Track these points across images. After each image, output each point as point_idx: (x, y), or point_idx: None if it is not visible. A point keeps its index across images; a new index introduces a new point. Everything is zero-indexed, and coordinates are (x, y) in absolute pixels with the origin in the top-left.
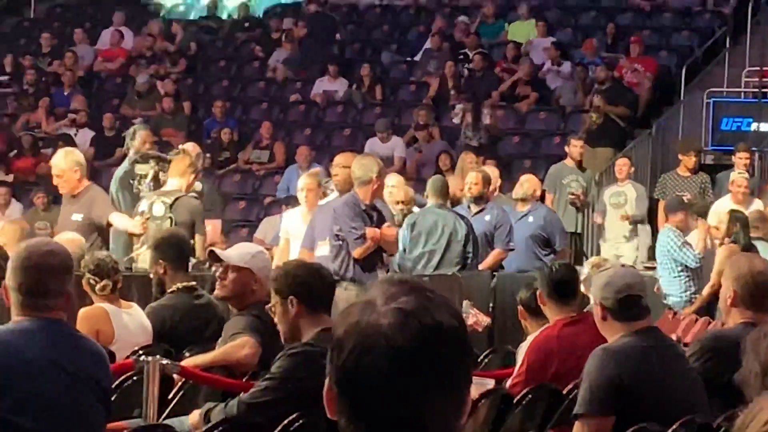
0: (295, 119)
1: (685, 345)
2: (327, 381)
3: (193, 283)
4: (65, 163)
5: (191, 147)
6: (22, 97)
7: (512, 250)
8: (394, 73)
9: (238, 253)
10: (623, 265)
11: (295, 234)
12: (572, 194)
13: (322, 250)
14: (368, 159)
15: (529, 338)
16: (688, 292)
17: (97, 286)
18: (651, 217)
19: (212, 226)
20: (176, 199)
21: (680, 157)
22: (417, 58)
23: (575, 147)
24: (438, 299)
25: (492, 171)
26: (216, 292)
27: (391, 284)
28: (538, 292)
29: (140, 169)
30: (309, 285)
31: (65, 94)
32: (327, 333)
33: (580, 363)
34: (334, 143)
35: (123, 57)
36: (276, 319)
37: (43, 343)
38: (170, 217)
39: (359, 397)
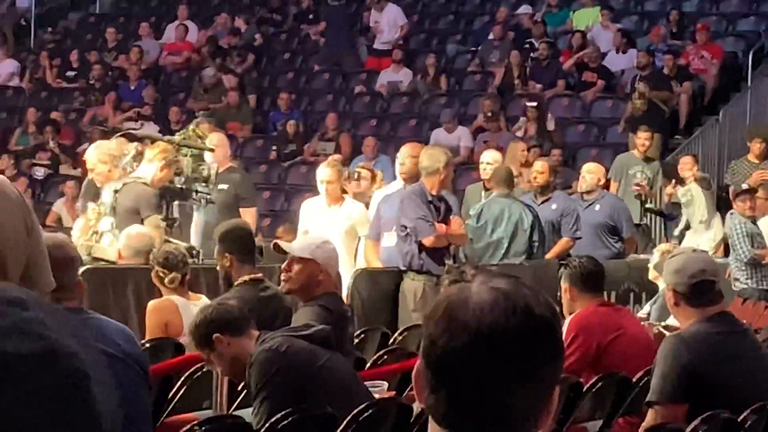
0: (360, 110)
1: (756, 331)
2: (417, 364)
3: (260, 275)
4: (95, 156)
5: (217, 139)
6: (89, 91)
7: (579, 238)
8: (459, 63)
9: (302, 244)
10: (695, 250)
11: (313, 228)
12: (637, 185)
13: (389, 241)
14: (436, 149)
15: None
16: (754, 279)
17: (166, 279)
18: (721, 205)
19: (250, 215)
20: (124, 185)
21: (748, 143)
22: (481, 47)
23: (641, 138)
24: (534, 290)
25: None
26: (282, 285)
27: (488, 271)
28: (565, 288)
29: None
30: None
31: (131, 88)
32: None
33: (622, 339)
34: (400, 134)
35: (189, 51)
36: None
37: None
38: (114, 206)
39: (445, 376)
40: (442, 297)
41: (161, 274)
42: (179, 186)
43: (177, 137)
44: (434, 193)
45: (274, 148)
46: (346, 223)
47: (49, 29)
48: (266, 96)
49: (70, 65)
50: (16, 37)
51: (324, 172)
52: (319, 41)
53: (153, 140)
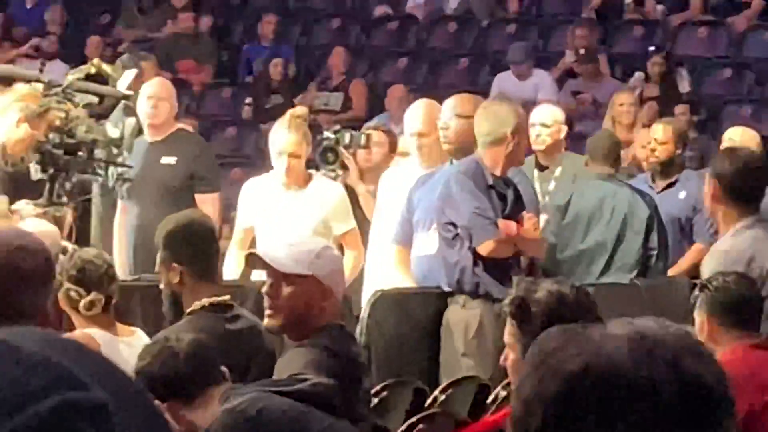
0: (382, 43)
1: None
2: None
3: (226, 298)
4: None
5: (157, 86)
6: None
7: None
8: None
9: (293, 253)
10: None
11: (263, 222)
12: None
13: (426, 246)
14: (502, 105)
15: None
16: None
17: (81, 303)
18: None
19: (210, 205)
20: None
21: None
22: None
23: None
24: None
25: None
26: (266, 321)
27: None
28: (702, 321)
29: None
30: None
31: (28, 7)
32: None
33: None
34: (443, 80)
35: None
36: None
37: None
38: None
39: None
40: (562, 340)
41: (73, 296)
42: (62, 150)
43: (67, 78)
44: (498, 173)
45: (249, 101)
46: (314, 214)
47: None
48: (236, 20)
49: None
50: None
51: (282, 137)
52: None
53: (10, 80)
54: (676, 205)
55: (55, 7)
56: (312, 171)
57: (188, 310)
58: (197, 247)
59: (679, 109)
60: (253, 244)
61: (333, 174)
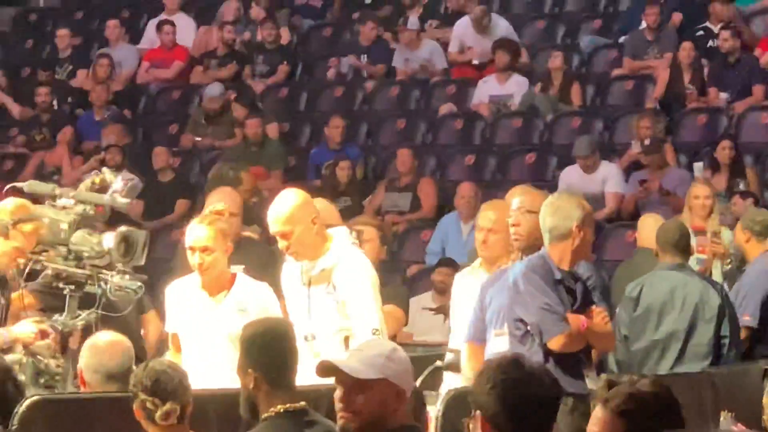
0: (448, 141)
1: None
2: None
3: (302, 404)
4: None
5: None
6: (32, 127)
7: None
8: (598, 64)
9: (365, 358)
10: None
11: (185, 330)
12: None
13: (499, 343)
14: (565, 200)
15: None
16: None
17: (158, 413)
18: None
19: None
20: None
21: None
22: (630, 37)
23: None
24: None
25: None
26: (341, 424)
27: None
28: None
29: None
30: None
31: (96, 119)
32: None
33: None
34: (510, 176)
35: (181, 60)
36: None
37: None
38: None
39: None
40: None
41: (149, 406)
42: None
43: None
44: (565, 267)
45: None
46: (235, 323)
47: None
48: (303, 124)
49: (1, 88)
50: None
51: (192, 232)
52: (379, 34)
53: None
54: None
55: (115, 128)
56: (236, 270)
57: (263, 416)
58: (272, 355)
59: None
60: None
61: None
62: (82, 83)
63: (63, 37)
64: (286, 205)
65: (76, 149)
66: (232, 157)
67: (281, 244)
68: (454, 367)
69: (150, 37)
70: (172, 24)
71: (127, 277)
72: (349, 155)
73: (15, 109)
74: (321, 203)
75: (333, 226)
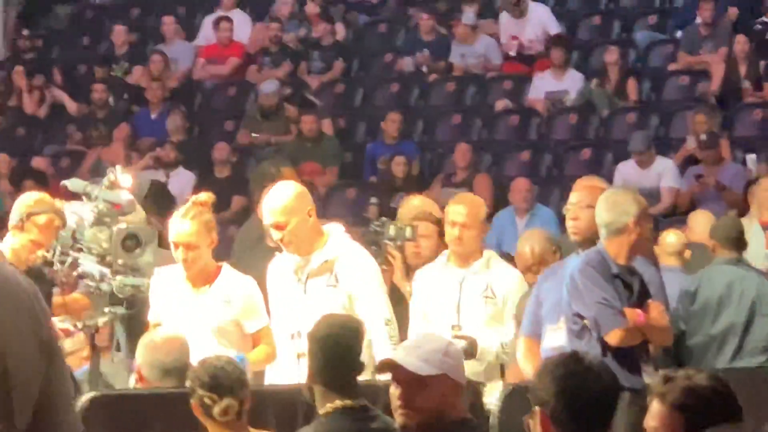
0: (504, 137)
1: None
2: None
3: (362, 402)
4: None
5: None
6: (89, 124)
7: None
8: (655, 59)
9: (422, 353)
10: None
11: (168, 320)
12: None
13: (555, 338)
14: (624, 194)
15: None
16: None
17: (216, 409)
18: None
19: None
20: None
21: None
22: (686, 32)
23: None
24: None
25: None
26: (400, 420)
27: None
28: None
29: None
30: None
31: (152, 117)
32: None
33: None
34: (567, 171)
35: (237, 56)
36: None
37: None
38: None
39: None
40: None
41: (207, 402)
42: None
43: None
44: (622, 262)
45: (374, 200)
46: (220, 314)
47: (25, 31)
48: (359, 120)
49: (58, 85)
50: None
51: (175, 226)
52: (436, 30)
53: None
54: None
55: (176, 116)
56: (222, 263)
57: (321, 412)
58: (328, 354)
59: None
60: None
61: None
62: (137, 80)
63: (119, 33)
64: (283, 196)
65: (132, 145)
66: (287, 153)
67: (276, 235)
68: (468, 353)
69: (206, 34)
70: (229, 20)
71: (131, 275)
72: (405, 151)
73: (72, 106)
74: (419, 200)
75: (436, 217)
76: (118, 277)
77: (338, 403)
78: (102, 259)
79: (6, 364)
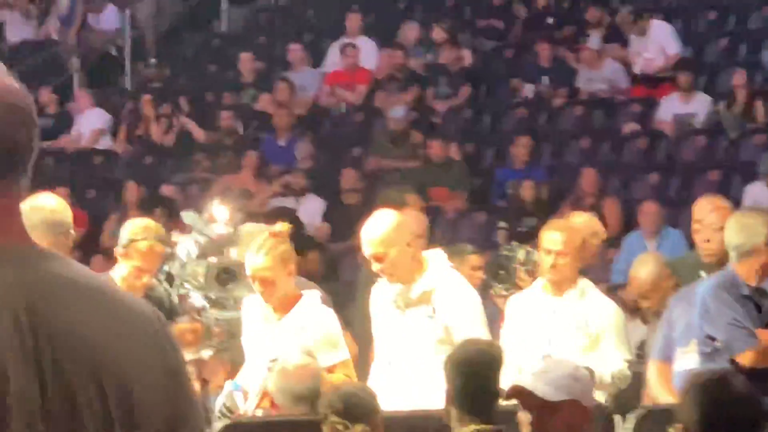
0: (632, 160)
1: None
2: None
3: (499, 427)
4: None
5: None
6: (217, 152)
7: None
8: None
9: (551, 379)
10: None
11: (249, 345)
12: None
13: (686, 361)
14: (753, 216)
15: None
16: None
17: None
18: None
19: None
20: None
21: None
22: None
23: None
24: None
25: None
26: None
27: None
28: None
29: None
30: None
31: (280, 144)
32: None
33: None
34: (694, 194)
35: (364, 82)
36: None
37: None
38: None
39: None
40: None
41: (340, 429)
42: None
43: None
44: (753, 283)
45: (503, 225)
46: (294, 344)
47: (153, 60)
48: (486, 145)
49: (185, 113)
50: (103, 74)
51: (250, 261)
52: (559, 55)
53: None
54: None
55: (304, 143)
56: (303, 291)
57: None
58: (466, 384)
59: None
60: None
61: (505, 294)
62: (264, 107)
63: (246, 61)
64: (381, 226)
65: (261, 173)
66: (415, 179)
67: (375, 266)
68: None
69: (333, 60)
70: (355, 47)
71: (225, 310)
72: (534, 175)
73: (199, 133)
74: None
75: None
76: (212, 311)
77: (472, 427)
78: (202, 292)
79: (131, 392)
